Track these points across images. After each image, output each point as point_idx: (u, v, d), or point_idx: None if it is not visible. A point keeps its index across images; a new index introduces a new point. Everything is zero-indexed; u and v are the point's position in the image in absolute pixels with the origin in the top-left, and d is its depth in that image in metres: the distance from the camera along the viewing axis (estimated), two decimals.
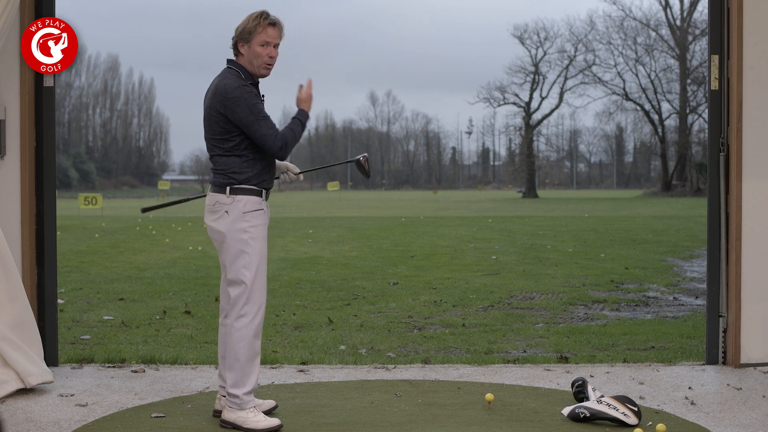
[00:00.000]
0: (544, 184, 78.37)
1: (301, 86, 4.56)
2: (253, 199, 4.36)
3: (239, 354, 4.34)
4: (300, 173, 4.70)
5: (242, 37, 4.37)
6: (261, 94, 4.46)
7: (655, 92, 59.58)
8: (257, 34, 4.36)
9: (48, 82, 5.48)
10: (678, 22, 57.71)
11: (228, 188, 4.35)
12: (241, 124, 4.29)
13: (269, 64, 4.42)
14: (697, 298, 9.50)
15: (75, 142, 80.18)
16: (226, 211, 4.34)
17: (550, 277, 11.22)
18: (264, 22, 4.37)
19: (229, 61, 4.45)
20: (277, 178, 4.66)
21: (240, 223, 4.33)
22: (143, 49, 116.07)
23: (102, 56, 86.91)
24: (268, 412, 4.62)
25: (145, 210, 4.98)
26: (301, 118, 4.49)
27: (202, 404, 4.77)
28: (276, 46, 4.42)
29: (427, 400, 4.85)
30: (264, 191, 4.42)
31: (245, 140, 4.34)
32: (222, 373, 4.53)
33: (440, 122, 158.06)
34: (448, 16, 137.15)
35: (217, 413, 4.55)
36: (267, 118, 4.33)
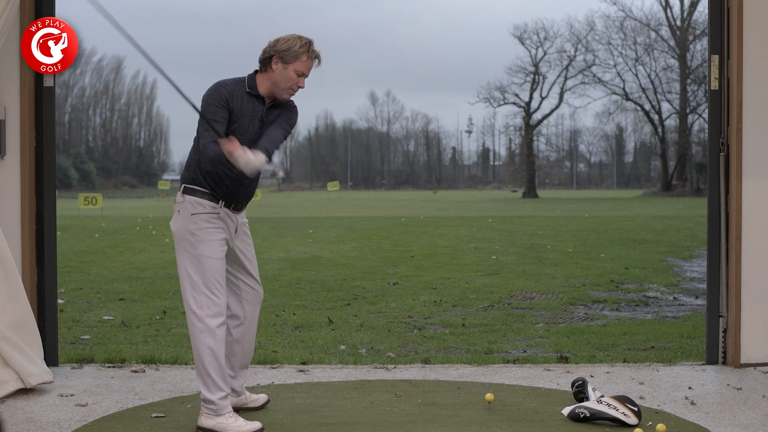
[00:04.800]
0: (544, 184, 78.36)
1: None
2: (203, 202, 4.23)
3: (203, 360, 4.20)
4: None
5: (282, 56, 4.23)
6: (264, 116, 4.28)
7: (655, 92, 59.62)
8: (299, 61, 4.25)
9: (48, 82, 5.47)
10: (678, 23, 57.73)
11: (182, 186, 4.29)
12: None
13: (293, 92, 4.33)
14: (697, 298, 9.50)
15: (75, 142, 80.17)
16: (178, 211, 4.28)
17: (550, 277, 11.22)
18: (311, 53, 4.28)
19: (252, 72, 4.33)
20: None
21: (187, 224, 4.23)
22: (148, 51, 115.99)
23: (106, 57, 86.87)
24: (262, 407, 4.65)
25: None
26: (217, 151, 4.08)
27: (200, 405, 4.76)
28: (305, 77, 4.34)
29: (427, 400, 4.85)
30: (222, 199, 4.26)
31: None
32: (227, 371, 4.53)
33: (440, 122, 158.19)
34: (448, 16, 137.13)
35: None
36: (215, 122, 4.08)
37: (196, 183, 4.25)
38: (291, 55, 4.25)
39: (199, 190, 4.24)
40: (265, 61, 4.30)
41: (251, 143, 4.24)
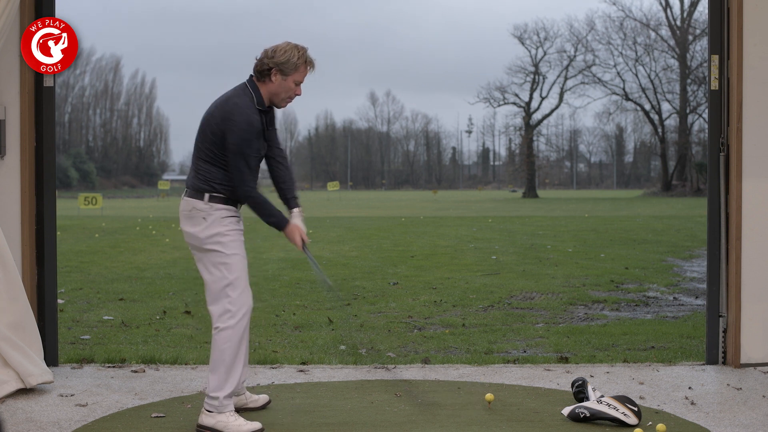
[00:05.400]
0: (544, 184, 78.38)
1: (303, 247, 4.49)
2: (228, 207, 4.35)
3: (225, 355, 4.28)
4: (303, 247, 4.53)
5: (281, 68, 4.28)
6: (271, 124, 4.48)
7: (655, 92, 59.64)
8: (298, 72, 4.32)
9: (48, 82, 5.47)
10: (678, 22, 57.73)
11: (207, 195, 4.31)
12: (227, 149, 4.24)
13: (291, 100, 4.42)
14: (697, 298, 9.50)
15: (75, 142, 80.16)
16: (204, 218, 4.31)
17: (550, 277, 11.21)
18: (309, 63, 4.35)
19: (250, 80, 4.37)
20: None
21: (218, 228, 4.30)
22: (147, 51, 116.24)
23: (105, 57, 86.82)
24: (263, 407, 4.66)
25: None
26: (276, 224, 4.40)
27: (202, 404, 4.76)
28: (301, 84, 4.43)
29: (427, 400, 4.85)
30: (237, 204, 4.41)
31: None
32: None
33: (440, 122, 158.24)
34: (448, 16, 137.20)
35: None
36: (250, 157, 4.25)
37: (218, 191, 4.33)
38: (290, 66, 4.30)
39: (222, 197, 4.34)
40: (264, 72, 4.33)
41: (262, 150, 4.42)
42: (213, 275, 4.31)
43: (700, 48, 55.45)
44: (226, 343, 4.28)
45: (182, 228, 4.40)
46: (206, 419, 4.28)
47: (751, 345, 5.63)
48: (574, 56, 60.69)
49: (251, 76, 4.39)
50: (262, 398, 4.70)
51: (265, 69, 4.31)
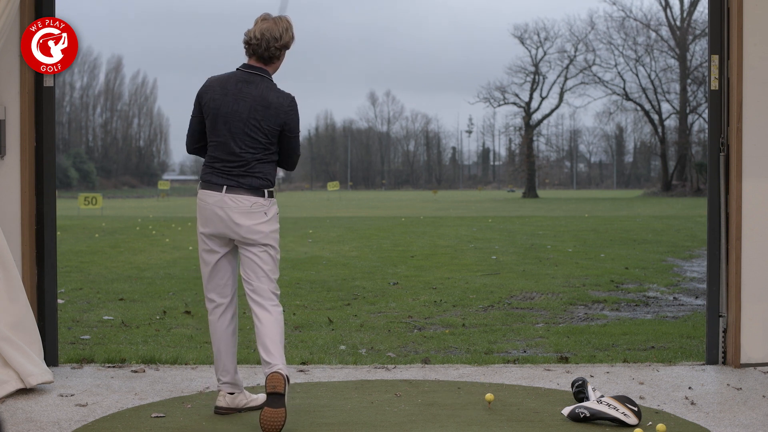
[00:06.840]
0: (544, 184, 78.39)
1: None
2: (276, 203, 4.60)
3: (281, 331, 4.47)
4: None
5: (288, 45, 4.51)
6: None
7: (655, 92, 59.60)
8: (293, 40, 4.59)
9: (48, 82, 5.47)
10: (678, 22, 57.74)
11: (266, 191, 4.47)
12: (288, 135, 4.48)
13: None
14: (697, 298, 9.50)
15: (75, 142, 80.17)
16: (265, 213, 4.46)
17: (550, 277, 11.22)
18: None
19: (264, 71, 4.48)
20: None
21: (274, 224, 4.51)
22: (147, 51, 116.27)
23: (105, 56, 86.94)
24: (262, 406, 4.66)
25: None
26: None
27: (202, 404, 4.76)
28: None
29: (427, 400, 4.85)
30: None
31: (277, 149, 4.53)
32: (227, 366, 4.53)
33: (440, 122, 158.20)
34: (449, 16, 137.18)
35: (221, 410, 4.54)
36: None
37: (272, 186, 4.54)
38: (293, 39, 4.53)
39: (273, 191, 4.56)
40: (276, 55, 4.48)
41: None
42: (268, 265, 4.48)
43: (700, 48, 55.47)
44: (282, 322, 4.46)
45: (240, 223, 4.41)
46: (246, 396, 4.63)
47: (751, 345, 5.63)
48: (575, 56, 60.70)
49: (264, 69, 4.48)
50: (260, 397, 4.71)
51: (278, 51, 4.47)
